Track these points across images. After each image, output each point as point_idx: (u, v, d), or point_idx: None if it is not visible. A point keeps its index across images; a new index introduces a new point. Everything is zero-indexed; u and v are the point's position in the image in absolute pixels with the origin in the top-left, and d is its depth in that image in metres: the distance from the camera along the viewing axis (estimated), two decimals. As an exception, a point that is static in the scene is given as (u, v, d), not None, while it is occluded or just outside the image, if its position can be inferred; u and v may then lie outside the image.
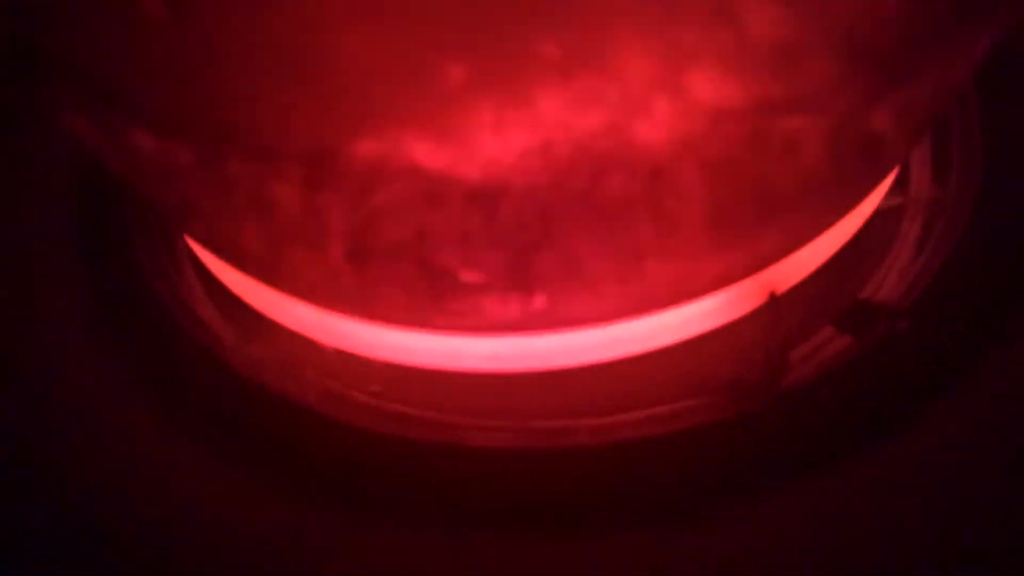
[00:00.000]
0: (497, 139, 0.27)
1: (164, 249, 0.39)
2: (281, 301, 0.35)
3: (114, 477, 0.35)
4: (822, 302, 0.36)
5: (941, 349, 0.35)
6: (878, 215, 0.37)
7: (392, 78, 0.26)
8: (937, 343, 0.35)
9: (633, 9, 0.26)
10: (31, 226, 0.41)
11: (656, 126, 0.28)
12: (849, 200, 0.33)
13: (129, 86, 0.29)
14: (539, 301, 0.31)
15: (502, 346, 0.34)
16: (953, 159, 0.39)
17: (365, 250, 0.30)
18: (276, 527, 0.33)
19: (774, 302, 0.34)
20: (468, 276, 0.30)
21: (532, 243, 0.30)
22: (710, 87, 0.27)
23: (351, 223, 0.30)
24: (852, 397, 0.34)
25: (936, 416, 0.34)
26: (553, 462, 0.34)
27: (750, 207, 0.31)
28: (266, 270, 0.33)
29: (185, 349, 0.37)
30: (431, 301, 0.31)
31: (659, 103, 0.27)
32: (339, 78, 0.27)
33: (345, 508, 0.33)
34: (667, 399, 0.34)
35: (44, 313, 0.38)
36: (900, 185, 0.39)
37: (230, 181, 0.29)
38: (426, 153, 0.27)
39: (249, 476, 0.34)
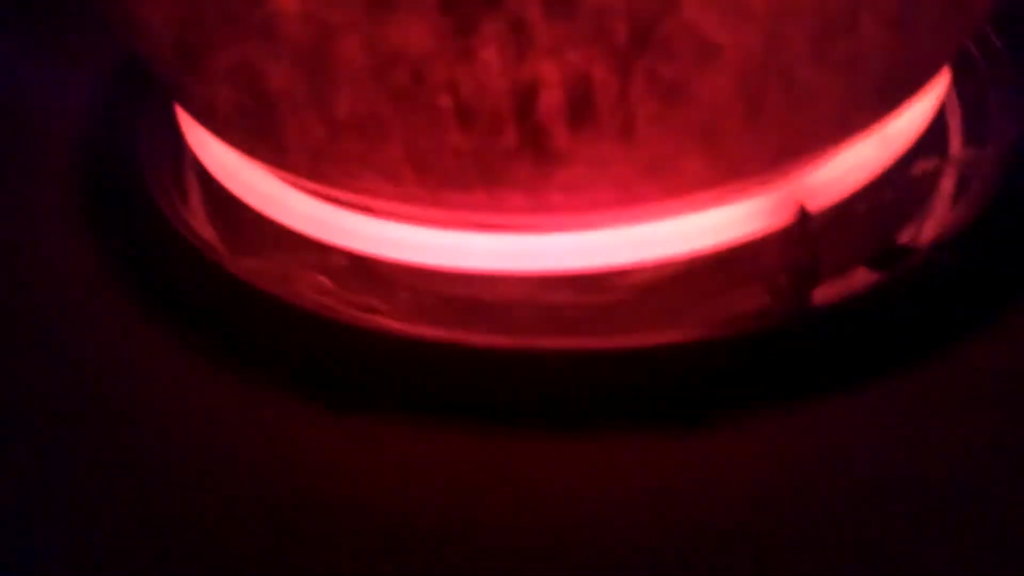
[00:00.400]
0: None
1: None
2: (279, 194, 0.34)
3: (111, 386, 0.33)
4: (856, 247, 0.35)
5: (972, 287, 0.34)
6: (913, 177, 0.36)
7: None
8: (967, 282, 0.34)
9: None
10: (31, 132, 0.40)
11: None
12: (879, 105, 0.33)
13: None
14: (560, 181, 0.30)
15: (517, 244, 0.32)
16: (991, 122, 0.38)
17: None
18: (268, 426, 0.32)
19: (804, 218, 0.33)
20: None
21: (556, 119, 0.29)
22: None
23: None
24: (882, 322, 0.33)
25: (964, 352, 0.32)
26: (569, 365, 0.32)
27: (780, 95, 0.30)
28: (260, 132, 0.32)
29: (181, 254, 0.36)
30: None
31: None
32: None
33: (346, 408, 0.32)
34: (691, 310, 0.33)
35: (40, 216, 0.38)
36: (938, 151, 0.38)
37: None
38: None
39: (241, 377, 0.33)
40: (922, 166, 0.37)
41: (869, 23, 0.30)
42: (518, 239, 0.33)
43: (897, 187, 0.36)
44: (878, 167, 0.35)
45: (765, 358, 0.32)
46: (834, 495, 0.29)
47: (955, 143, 0.38)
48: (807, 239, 0.33)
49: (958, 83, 0.39)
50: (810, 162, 0.33)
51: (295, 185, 0.34)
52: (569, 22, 0.27)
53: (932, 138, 0.37)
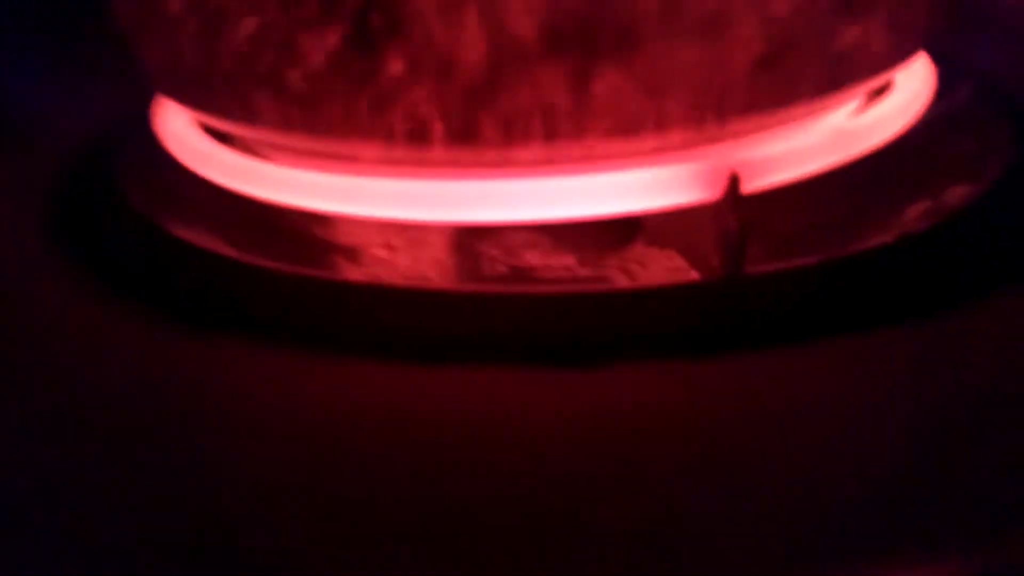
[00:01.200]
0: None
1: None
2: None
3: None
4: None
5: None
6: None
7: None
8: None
9: None
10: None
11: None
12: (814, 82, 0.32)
13: None
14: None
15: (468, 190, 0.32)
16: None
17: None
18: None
19: (735, 190, 0.31)
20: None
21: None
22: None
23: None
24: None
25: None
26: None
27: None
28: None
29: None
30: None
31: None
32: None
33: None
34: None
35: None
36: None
37: None
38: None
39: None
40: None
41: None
42: (446, 185, 0.32)
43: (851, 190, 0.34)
44: (828, 158, 0.33)
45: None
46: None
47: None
48: (737, 210, 0.31)
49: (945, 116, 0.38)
50: (745, 130, 0.32)
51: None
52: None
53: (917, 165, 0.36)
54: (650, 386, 0.29)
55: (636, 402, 0.29)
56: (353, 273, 0.35)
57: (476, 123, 0.31)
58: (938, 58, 0.39)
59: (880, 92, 0.37)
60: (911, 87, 0.37)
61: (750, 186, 0.32)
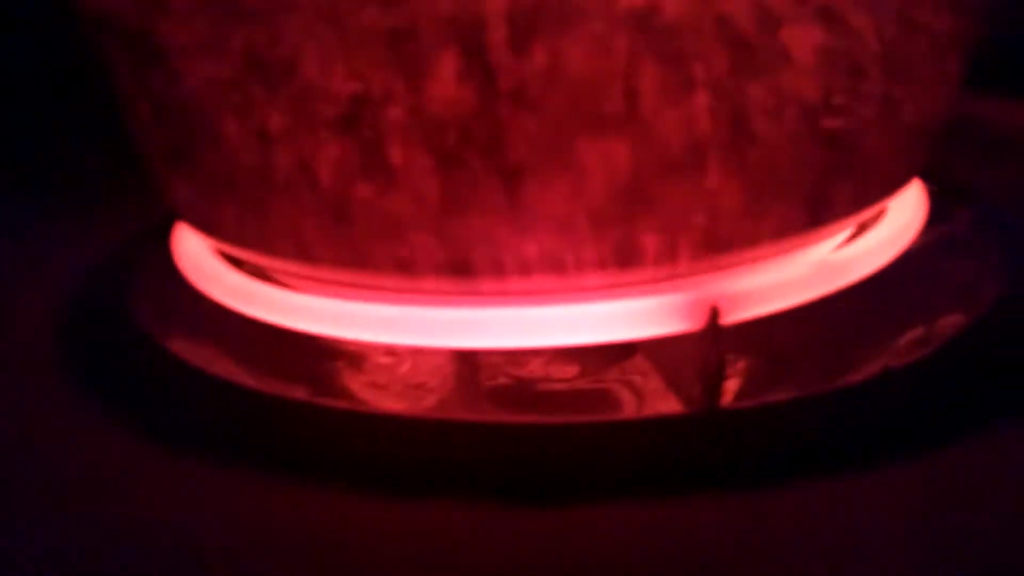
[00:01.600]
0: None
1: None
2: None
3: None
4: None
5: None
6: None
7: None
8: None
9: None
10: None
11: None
12: (791, 216, 0.33)
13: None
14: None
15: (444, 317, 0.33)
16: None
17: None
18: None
19: (715, 322, 0.32)
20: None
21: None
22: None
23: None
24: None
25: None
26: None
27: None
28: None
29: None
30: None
31: None
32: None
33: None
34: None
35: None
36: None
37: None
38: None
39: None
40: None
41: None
42: (426, 311, 0.33)
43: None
44: (812, 292, 0.34)
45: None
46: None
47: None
48: (716, 343, 0.32)
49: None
50: (729, 263, 0.33)
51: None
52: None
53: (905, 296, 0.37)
54: (624, 521, 0.30)
55: (612, 540, 0.29)
56: (353, 382, 0.36)
57: (464, 258, 0.32)
58: (932, 179, 0.40)
59: (875, 218, 0.38)
60: (900, 218, 0.37)
61: (731, 318, 0.33)
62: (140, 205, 0.42)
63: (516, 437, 0.32)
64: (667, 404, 0.34)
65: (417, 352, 0.36)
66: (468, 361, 0.36)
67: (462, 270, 0.32)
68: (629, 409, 0.34)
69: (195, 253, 0.38)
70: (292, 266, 0.34)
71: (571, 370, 0.35)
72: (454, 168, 0.30)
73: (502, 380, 0.35)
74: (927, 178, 0.40)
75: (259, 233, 0.34)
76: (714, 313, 0.33)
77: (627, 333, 0.33)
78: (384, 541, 0.30)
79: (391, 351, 0.36)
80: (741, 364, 0.34)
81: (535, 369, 0.35)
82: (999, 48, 0.49)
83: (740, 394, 0.33)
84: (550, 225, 0.31)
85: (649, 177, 0.31)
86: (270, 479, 0.32)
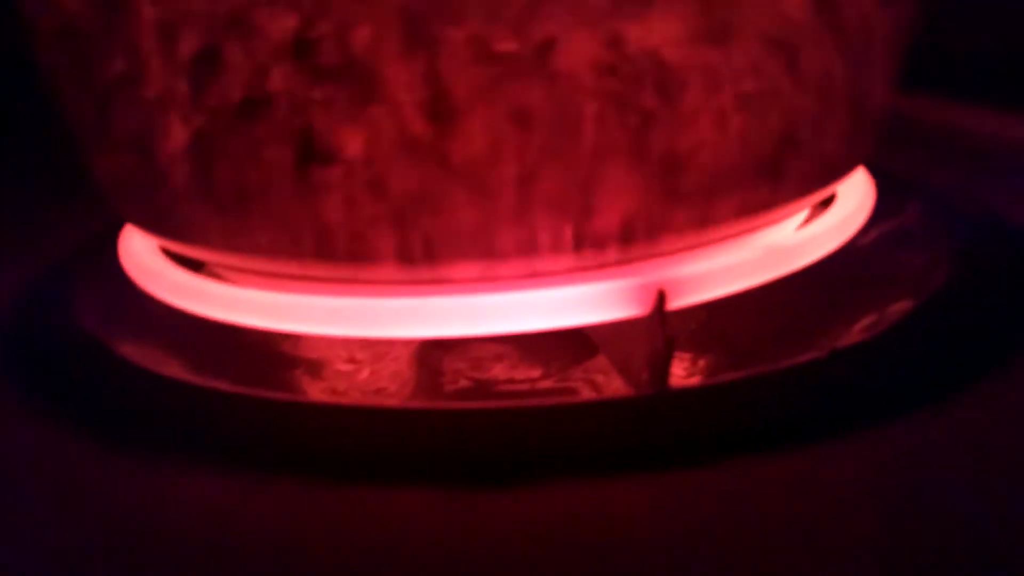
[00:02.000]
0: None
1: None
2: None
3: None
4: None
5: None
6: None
7: None
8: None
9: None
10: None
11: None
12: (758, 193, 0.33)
13: None
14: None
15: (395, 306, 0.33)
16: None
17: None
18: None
19: (661, 307, 0.32)
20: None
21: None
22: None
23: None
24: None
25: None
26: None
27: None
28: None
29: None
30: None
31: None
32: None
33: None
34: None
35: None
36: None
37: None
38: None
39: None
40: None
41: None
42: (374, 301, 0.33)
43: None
44: (760, 276, 0.34)
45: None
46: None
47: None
48: (664, 327, 0.32)
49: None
50: (677, 247, 0.33)
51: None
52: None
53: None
54: (571, 504, 0.30)
55: (565, 519, 0.29)
56: (312, 388, 0.35)
57: (409, 244, 0.32)
58: (883, 176, 0.40)
59: (826, 204, 0.38)
60: (848, 206, 0.37)
61: (678, 302, 0.33)
62: (89, 209, 0.42)
63: (472, 422, 0.32)
64: (618, 387, 0.34)
65: (376, 358, 0.36)
66: (429, 367, 0.35)
67: (408, 258, 0.32)
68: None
69: (140, 253, 0.38)
70: (230, 259, 0.34)
71: (534, 372, 0.35)
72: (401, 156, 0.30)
73: (463, 383, 0.35)
74: (879, 176, 0.40)
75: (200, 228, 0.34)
76: (661, 297, 0.33)
77: (576, 319, 0.33)
78: (343, 530, 0.29)
79: (352, 358, 0.36)
80: (690, 347, 0.34)
81: (498, 373, 0.35)
82: (948, 52, 0.49)
83: (688, 376, 0.33)
84: (497, 211, 0.31)
85: (594, 162, 0.31)
86: (228, 477, 0.31)
